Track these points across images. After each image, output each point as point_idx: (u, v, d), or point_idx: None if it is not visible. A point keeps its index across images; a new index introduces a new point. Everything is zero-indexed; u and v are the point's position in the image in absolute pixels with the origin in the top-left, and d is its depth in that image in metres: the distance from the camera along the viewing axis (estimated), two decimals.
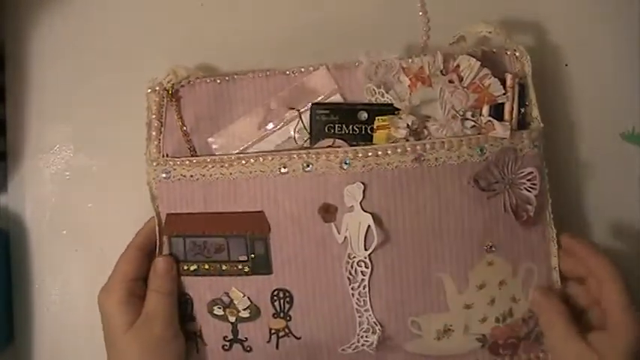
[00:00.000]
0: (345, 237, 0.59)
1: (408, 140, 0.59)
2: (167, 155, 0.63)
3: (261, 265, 0.61)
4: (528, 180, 0.60)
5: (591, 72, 0.67)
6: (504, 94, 0.60)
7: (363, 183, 0.59)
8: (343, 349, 0.62)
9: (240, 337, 0.63)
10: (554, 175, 0.62)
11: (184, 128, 0.63)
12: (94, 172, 0.70)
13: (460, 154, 0.59)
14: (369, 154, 0.58)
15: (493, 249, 0.60)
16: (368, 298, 0.60)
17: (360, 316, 0.61)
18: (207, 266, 0.62)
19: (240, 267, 0.61)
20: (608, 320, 0.57)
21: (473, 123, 0.59)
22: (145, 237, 0.63)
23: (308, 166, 0.59)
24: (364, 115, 0.60)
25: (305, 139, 0.61)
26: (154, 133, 0.63)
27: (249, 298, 0.62)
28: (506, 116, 0.60)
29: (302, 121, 0.61)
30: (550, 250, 0.61)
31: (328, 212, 0.59)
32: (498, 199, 0.60)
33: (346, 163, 0.59)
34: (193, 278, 0.62)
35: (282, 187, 0.60)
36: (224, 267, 0.62)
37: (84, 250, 0.70)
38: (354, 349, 0.62)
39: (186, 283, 0.63)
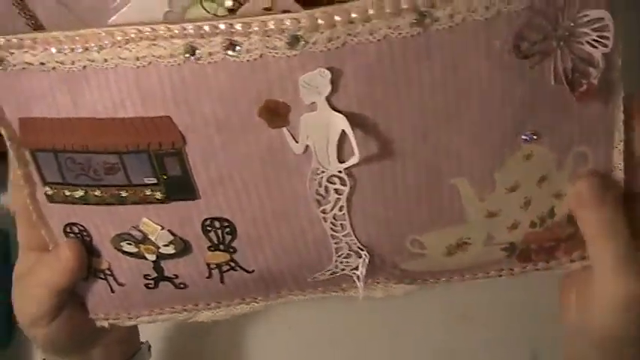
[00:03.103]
0: (307, 146, 0.38)
1: None
2: None
3: (181, 189, 0.40)
4: (594, 29, 0.37)
5: None
6: None
7: (329, 69, 0.35)
8: (315, 277, 0.44)
9: (167, 274, 0.44)
10: None
11: None
12: None
13: (491, 3, 0.34)
14: (337, 18, 0.34)
15: (534, 137, 0.39)
16: (347, 220, 0.40)
17: (337, 243, 0.42)
18: (98, 192, 0.41)
19: (148, 192, 0.40)
20: None
21: None
22: None
23: (234, 47, 0.35)
24: None
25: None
26: None
27: (170, 231, 0.42)
28: None
29: None
30: (614, 122, 0.40)
31: (277, 114, 0.37)
32: (545, 65, 0.37)
33: (299, 39, 0.34)
34: (83, 207, 0.41)
35: (195, 80, 0.36)
36: (124, 193, 0.40)
37: None
38: (331, 275, 0.44)
39: (74, 212, 0.42)
